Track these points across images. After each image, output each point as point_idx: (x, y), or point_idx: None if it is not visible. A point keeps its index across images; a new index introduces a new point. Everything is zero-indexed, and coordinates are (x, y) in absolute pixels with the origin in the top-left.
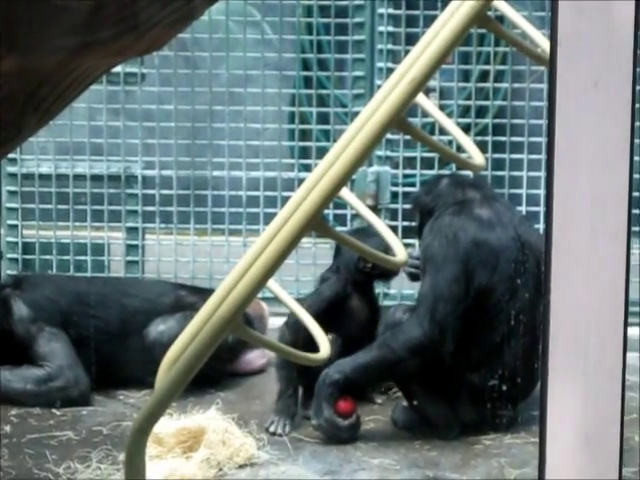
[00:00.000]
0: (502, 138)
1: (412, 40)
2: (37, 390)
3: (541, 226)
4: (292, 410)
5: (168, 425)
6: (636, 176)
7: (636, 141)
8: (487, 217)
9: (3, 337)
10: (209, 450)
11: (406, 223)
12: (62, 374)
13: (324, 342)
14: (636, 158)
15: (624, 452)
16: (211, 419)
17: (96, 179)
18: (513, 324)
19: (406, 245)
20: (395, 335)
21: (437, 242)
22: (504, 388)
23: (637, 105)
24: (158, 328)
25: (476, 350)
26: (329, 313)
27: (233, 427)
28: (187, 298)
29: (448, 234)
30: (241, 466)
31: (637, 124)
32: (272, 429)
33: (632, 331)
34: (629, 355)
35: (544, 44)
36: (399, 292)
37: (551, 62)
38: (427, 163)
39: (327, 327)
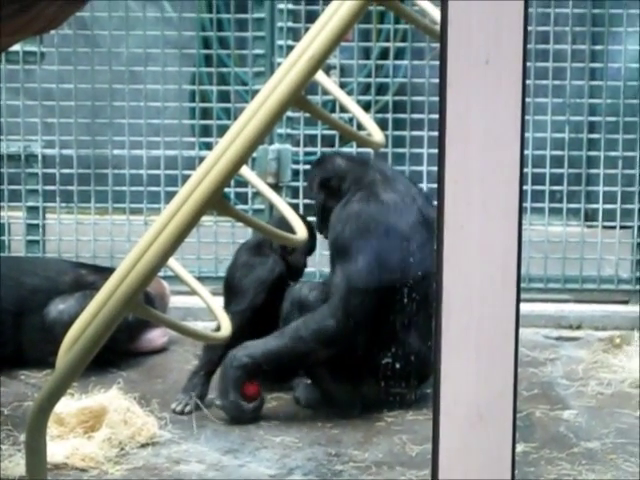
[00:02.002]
0: (402, 115)
1: (312, 17)
2: None
3: None
4: (200, 390)
5: (69, 405)
6: (526, 152)
7: (526, 117)
8: (394, 201)
9: None
10: (110, 430)
11: (307, 201)
12: None
13: (225, 320)
14: (526, 134)
15: (525, 427)
16: (112, 398)
17: None
18: (415, 303)
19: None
20: (308, 325)
21: (348, 231)
22: (406, 365)
23: (527, 82)
24: (58, 307)
25: (378, 328)
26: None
27: (135, 406)
28: (87, 277)
29: (358, 223)
30: (143, 445)
31: (527, 100)
32: (177, 408)
33: (534, 307)
34: (532, 331)
35: (433, 13)
36: (318, 270)
37: (442, 40)
38: (328, 141)
39: None
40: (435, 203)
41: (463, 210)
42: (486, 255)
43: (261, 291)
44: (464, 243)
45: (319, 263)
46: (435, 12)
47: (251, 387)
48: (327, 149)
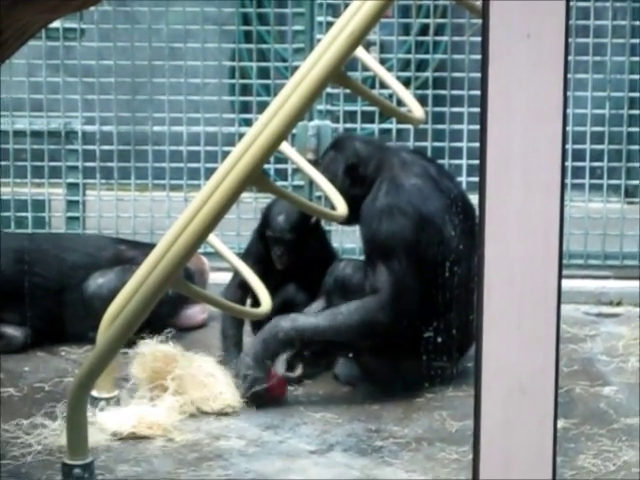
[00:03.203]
0: (442, 91)
1: None
2: None
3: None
4: None
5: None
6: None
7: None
8: (420, 186)
9: None
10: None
11: None
12: None
13: (265, 296)
14: (568, 110)
15: (565, 404)
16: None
17: (36, 135)
18: (453, 280)
19: None
20: (361, 313)
21: (384, 227)
22: (445, 341)
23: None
24: (97, 281)
25: (420, 307)
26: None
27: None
28: (127, 252)
29: (392, 217)
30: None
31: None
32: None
33: (574, 283)
34: (572, 307)
35: None
36: (340, 246)
37: (484, 14)
38: (367, 117)
39: None
40: (454, 178)
41: (505, 185)
42: (528, 230)
43: None
44: (506, 218)
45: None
46: None
47: (278, 385)
48: (367, 125)
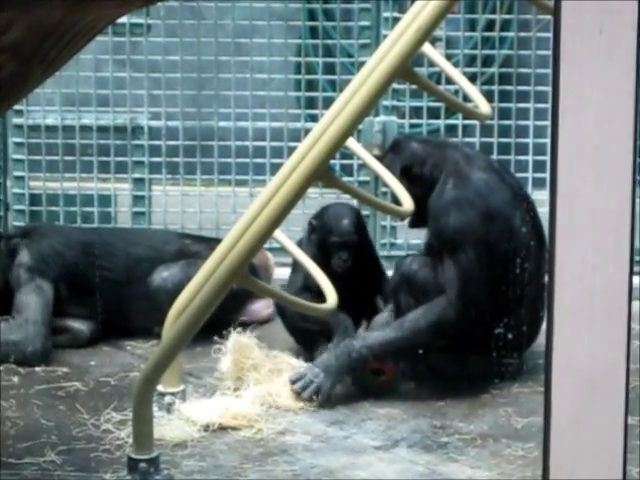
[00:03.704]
0: (508, 87)
1: None
2: None
3: (547, 175)
4: None
5: None
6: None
7: None
8: (485, 180)
9: (7, 286)
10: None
11: None
12: (22, 329)
13: (331, 292)
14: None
15: (633, 400)
16: None
17: (102, 130)
18: (518, 273)
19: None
20: (427, 317)
21: (452, 221)
22: (511, 338)
23: None
24: (161, 275)
25: (487, 304)
26: None
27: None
28: (192, 247)
29: (460, 211)
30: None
31: None
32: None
33: None
34: (636, 303)
35: None
36: (406, 242)
37: (556, 9)
38: (433, 113)
39: None
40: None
41: (576, 181)
42: (599, 226)
43: None
44: (577, 214)
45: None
46: None
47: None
48: (433, 121)
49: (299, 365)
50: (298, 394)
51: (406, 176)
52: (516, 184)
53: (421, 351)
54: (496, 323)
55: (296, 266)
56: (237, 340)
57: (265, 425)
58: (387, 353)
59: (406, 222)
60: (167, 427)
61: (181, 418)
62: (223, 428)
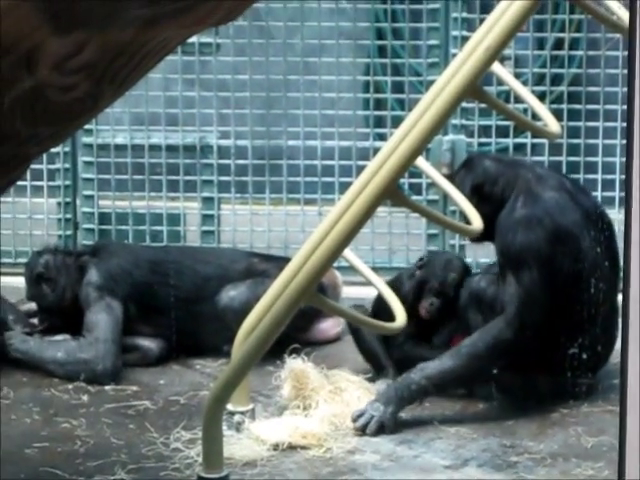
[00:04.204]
0: (577, 106)
1: (487, 8)
2: (65, 359)
3: (616, 194)
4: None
5: None
6: None
7: None
8: (557, 200)
9: (76, 304)
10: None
11: None
12: (93, 347)
13: (400, 311)
14: None
15: None
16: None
17: (171, 149)
18: (590, 293)
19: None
20: (484, 339)
21: (519, 239)
22: (581, 356)
23: None
24: (229, 294)
25: (554, 320)
26: None
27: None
28: (259, 265)
29: (528, 229)
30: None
31: None
32: None
33: None
34: None
35: (619, 12)
36: (474, 260)
37: (631, 28)
38: (502, 131)
39: None
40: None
41: None
42: None
43: None
44: None
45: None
46: (612, 1)
47: None
48: (501, 140)
49: (358, 381)
50: (362, 431)
51: (477, 193)
52: (591, 204)
53: (480, 377)
54: (566, 343)
55: None
56: (291, 368)
57: (335, 444)
58: (447, 382)
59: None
60: (236, 446)
61: (250, 437)
62: (292, 447)
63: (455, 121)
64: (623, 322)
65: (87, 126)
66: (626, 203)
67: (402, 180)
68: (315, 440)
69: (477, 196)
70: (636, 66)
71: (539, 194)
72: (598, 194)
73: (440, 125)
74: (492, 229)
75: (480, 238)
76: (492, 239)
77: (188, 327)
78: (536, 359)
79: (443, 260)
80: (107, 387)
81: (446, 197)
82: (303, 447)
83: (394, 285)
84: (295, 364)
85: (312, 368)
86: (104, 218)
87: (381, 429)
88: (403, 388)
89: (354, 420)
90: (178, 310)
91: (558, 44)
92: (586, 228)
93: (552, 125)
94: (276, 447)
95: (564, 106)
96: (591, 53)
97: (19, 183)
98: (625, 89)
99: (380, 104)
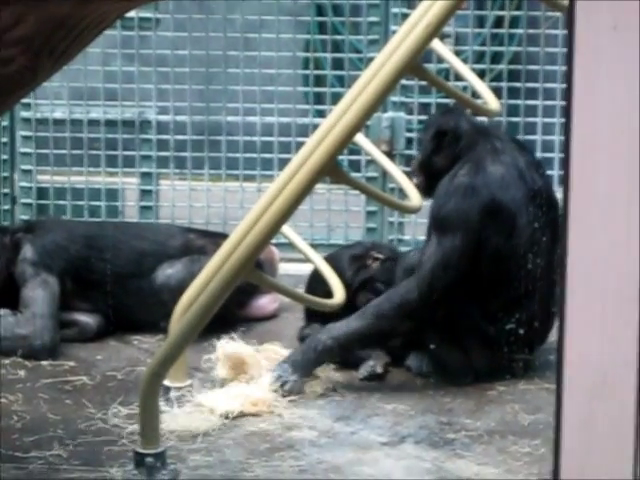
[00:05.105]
0: (517, 84)
1: None
2: (2, 335)
3: (555, 172)
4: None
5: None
6: None
7: None
8: (501, 174)
9: (11, 280)
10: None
11: None
12: (30, 323)
13: (339, 289)
14: None
15: None
16: None
17: (110, 124)
18: (528, 271)
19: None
20: (391, 299)
21: (450, 204)
22: (518, 334)
23: None
24: (166, 272)
25: (491, 296)
26: None
27: None
28: (196, 241)
29: (462, 199)
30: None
31: None
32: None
33: None
34: None
35: None
36: (413, 238)
37: (570, 6)
38: (442, 109)
39: None
40: (545, 173)
41: (589, 177)
42: (612, 222)
43: None
44: (590, 210)
45: None
46: None
47: None
48: None
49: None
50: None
51: (436, 141)
52: (541, 184)
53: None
54: (506, 319)
55: None
56: (223, 348)
57: (285, 411)
58: (353, 341)
59: (413, 216)
60: (189, 418)
61: (202, 408)
62: (244, 415)
63: (395, 98)
64: (560, 298)
65: (25, 100)
66: (565, 180)
67: (341, 157)
68: (266, 407)
69: (435, 143)
70: (575, 44)
71: (486, 166)
72: None
73: (379, 102)
74: (434, 184)
75: (423, 192)
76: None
77: (126, 303)
78: (473, 335)
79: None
80: (44, 362)
81: (385, 174)
82: (255, 415)
83: (332, 261)
84: (226, 345)
85: (243, 345)
86: (42, 193)
87: (291, 390)
88: (310, 349)
89: (269, 381)
90: (115, 286)
91: (498, 22)
92: (528, 207)
93: (491, 103)
94: (227, 416)
95: (504, 84)
96: (531, 31)
97: None
98: (564, 67)
99: (320, 81)
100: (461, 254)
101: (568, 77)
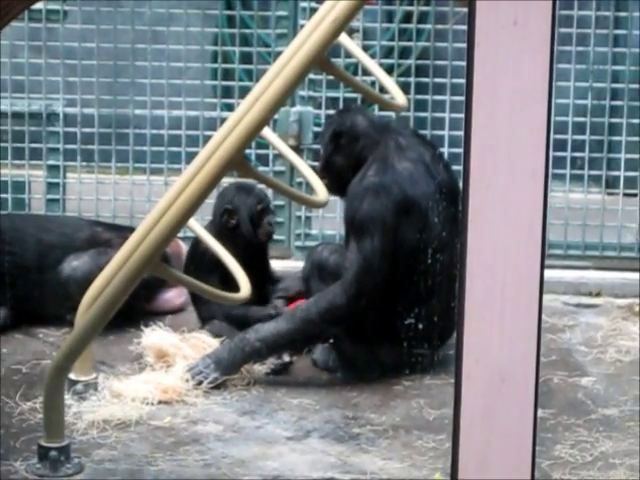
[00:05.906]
0: (425, 79)
1: None
2: None
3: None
4: None
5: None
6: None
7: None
8: (410, 172)
9: None
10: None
11: None
12: None
13: (244, 282)
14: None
15: (543, 394)
16: None
17: (17, 116)
18: (435, 267)
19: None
20: (319, 304)
21: (364, 207)
22: (425, 330)
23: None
24: (72, 264)
25: (397, 293)
26: None
27: None
28: (103, 234)
29: (375, 200)
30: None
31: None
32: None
33: (554, 273)
34: (551, 297)
35: None
36: (320, 232)
37: (471, 0)
38: (341, 108)
39: None
40: (453, 168)
41: (489, 171)
42: (511, 218)
43: None
44: (490, 204)
45: (340, 225)
46: None
47: None
48: None
49: (215, 342)
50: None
51: (334, 142)
52: (447, 178)
53: (313, 341)
54: (409, 314)
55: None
56: (150, 341)
57: (197, 400)
58: (280, 344)
59: (320, 211)
60: (97, 408)
61: (121, 397)
62: (152, 404)
63: (303, 92)
64: (459, 293)
65: None
66: (464, 175)
67: (249, 151)
68: (176, 395)
69: (334, 144)
70: (475, 38)
71: (393, 164)
72: None
73: (286, 96)
74: (342, 183)
75: (332, 192)
76: (342, 195)
77: (31, 295)
78: (380, 330)
79: (241, 189)
80: None
81: (293, 168)
82: (167, 402)
83: None
84: (151, 333)
85: (167, 334)
86: None
87: (210, 386)
88: (236, 349)
89: (187, 371)
90: (21, 278)
91: (406, 17)
92: (435, 202)
93: (398, 98)
94: (134, 400)
95: (412, 79)
96: (439, 27)
97: None
98: None
99: (228, 74)
100: (382, 255)
101: (468, 72)
